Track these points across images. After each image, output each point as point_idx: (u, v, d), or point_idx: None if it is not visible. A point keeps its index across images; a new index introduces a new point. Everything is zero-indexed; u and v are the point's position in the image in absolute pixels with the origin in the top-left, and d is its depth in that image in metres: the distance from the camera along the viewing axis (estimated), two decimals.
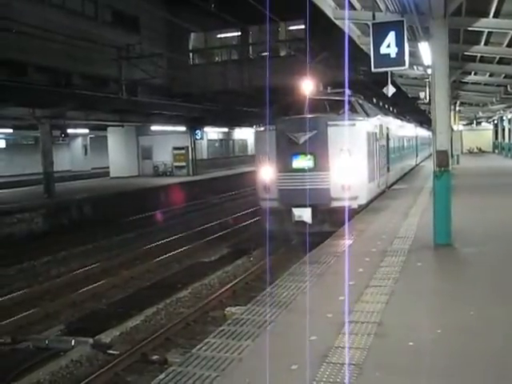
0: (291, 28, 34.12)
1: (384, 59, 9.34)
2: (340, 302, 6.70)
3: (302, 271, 8.29)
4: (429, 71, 15.29)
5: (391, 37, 9.20)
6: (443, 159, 9.50)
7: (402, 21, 9.38)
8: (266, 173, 14.69)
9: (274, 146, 14.49)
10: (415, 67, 18.57)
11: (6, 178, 38.51)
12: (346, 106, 14.42)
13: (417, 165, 33.26)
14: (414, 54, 14.35)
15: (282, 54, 34.63)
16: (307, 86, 15.41)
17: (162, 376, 4.85)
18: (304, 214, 14.01)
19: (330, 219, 13.77)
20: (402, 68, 10.00)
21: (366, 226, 11.90)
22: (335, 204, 13.96)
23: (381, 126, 17.71)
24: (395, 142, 22.32)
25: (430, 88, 16.99)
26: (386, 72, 16.16)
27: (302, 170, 14.18)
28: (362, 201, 14.54)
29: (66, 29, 23.52)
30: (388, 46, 9.22)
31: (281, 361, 5.04)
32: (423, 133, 40.13)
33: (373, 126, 16.07)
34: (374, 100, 22.25)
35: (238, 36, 35.48)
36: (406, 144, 27.40)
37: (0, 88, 19.26)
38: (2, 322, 10.19)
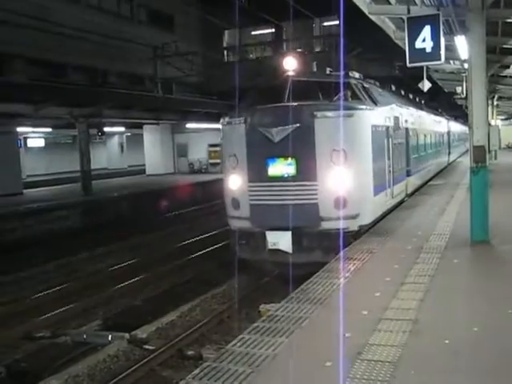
0: (325, 24, 33.96)
1: (419, 54, 9.25)
2: (375, 298, 6.67)
3: (336, 268, 8.26)
4: (465, 65, 15.03)
5: (426, 31, 9.10)
6: (480, 155, 9.35)
7: (438, 14, 9.26)
8: (234, 183, 11.29)
9: (244, 145, 11.06)
10: (451, 61, 18.26)
11: (45, 176, 39.28)
12: (342, 90, 10.87)
13: (449, 164, 30.55)
14: (450, 48, 14.11)
15: (317, 49, 34.48)
16: (290, 63, 11.80)
17: (196, 371, 4.89)
18: (281, 241, 10.60)
19: (321, 246, 10.50)
20: (438, 62, 9.88)
21: (401, 223, 11.77)
22: (326, 226, 10.56)
23: (396, 118, 14.04)
24: (419, 138, 18.39)
25: (466, 82, 16.70)
26: (422, 67, 15.93)
27: (281, 179, 10.73)
28: (365, 220, 10.95)
29: (103, 29, 23.89)
30: (423, 40, 9.12)
31: (315, 357, 5.03)
32: (457, 127, 38.10)
33: (382, 117, 12.40)
34: (394, 88, 18.50)
35: (271, 33, 35.46)
36: (434, 141, 23.32)
37: (40, 88, 19.70)
38: (42, 316, 10.44)
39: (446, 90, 29.50)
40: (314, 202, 10.57)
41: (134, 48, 25.37)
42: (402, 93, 20.17)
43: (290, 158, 10.61)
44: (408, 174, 15.73)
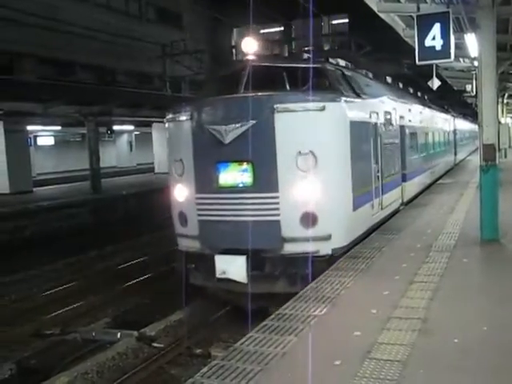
0: (334, 22, 33.91)
1: (429, 52, 9.20)
2: (384, 297, 6.65)
3: (345, 266, 8.24)
4: (475, 63, 14.94)
5: (436, 29, 9.05)
6: (490, 153, 9.30)
7: (448, 12, 9.21)
8: (181, 193, 9.44)
9: (191, 148, 9.12)
10: (461, 59, 18.17)
11: (54, 174, 39.44)
12: (311, 76, 8.75)
13: (456, 164, 28.73)
14: (460, 46, 14.03)
15: (326, 48, 34.43)
16: (250, 45, 9.97)
17: (205, 369, 4.90)
18: (232, 268, 8.60)
19: (284, 274, 8.60)
20: (448, 60, 9.84)
21: (411, 221, 11.73)
22: (290, 249, 8.58)
23: (388, 113, 12.11)
24: (418, 137, 16.33)
25: (476, 80, 16.62)
26: (431, 65, 15.85)
27: (234, 190, 8.83)
28: (340, 241, 8.90)
29: (111, 27, 23.95)
30: (433, 38, 9.07)
31: (324, 356, 5.03)
32: (465, 125, 36.80)
33: (367, 111, 10.43)
34: (390, 81, 16.57)
35: (280, 31, 35.45)
36: (437, 140, 21.24)
37: (49, 87, 19.80)
38: (51, 313, 10.50)
39: (455, 88, 29.36)
40: (274, 219, 8.59)
41: (142, 46, 25.42)
42: (410, 90, 18.98)
43: (244, 163, 8.71)
44: (404, 178, 13.84)
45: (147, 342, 8.79)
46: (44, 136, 41.43)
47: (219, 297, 9.52)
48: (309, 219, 8.47)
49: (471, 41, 12.98)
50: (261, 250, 8.57)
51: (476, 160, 12.58)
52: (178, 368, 8.07)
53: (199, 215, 9.15)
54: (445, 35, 9.02)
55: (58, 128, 34.08)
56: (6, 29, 19.52)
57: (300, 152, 8.44)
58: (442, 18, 9.08)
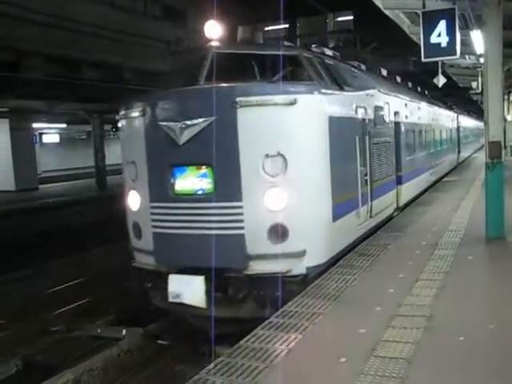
0: (339, 19, 33.82)
1: (434, 49, 9.16)
2: (389, 294, 6.65)
3: (350, 263, 8.23)
4: (481, 60, 14.89)
5: (442, 25, 9.01)
6: (496, 150, 9.27)
7: (454, 8, 9.17)
8: (134, 201, 8.24)
9: (144, 148, 7.91)
10: (467, 56, 18.11)
11: (59, 171, 39.55)
12: (282, 66, 7.80)
13: (459, 164, 27.81)
14: (466, 43, 13.98)
15: (331, 45, 34.35)
16: (213, 29, 8.42)
17: (210, 366, 4.90)
18: (188, 290, 7.39)
19: (251, 297, 7.37)
20: (453, 58, 9.78)
21: (416, 219, 11.71)
22: (256, 267, 7.35)
23: (379, 108, 10.97)
24: (416, 135, 15.28)
25: (482, 77, 16.56)
26: (437, 62, 15.80)
27: (192, 198, 7.66)
28: (317, 259, 7.66)
29: (117, 25, 23.98)
30: (439, 35, 9.04)
31: (329, 353, 5.03)
32: (469, 122, 36.01)
33: (352, 106, 9.15)
34: (385, 73, 15.10)
35: (285, 28, 35.40)
36: (438, 138, 20.19)
37: (56, 85, 19.83)
38: (57, 310, 10.55)
39: (460, 85, 29.26)
40: (238, 233, 7.35)
41: (148, 44, 25.42)
42: (398, 80, 16.88)
43: (203, 167, 7.56)
44: (399, 181, 12.72)
45: (152, 339, 8.82)
46: (49, 134, 41.54)
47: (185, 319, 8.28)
48: (278, 233, 7.26)
49: (477, 38, 12.94)
50: (223, 269, 7.25)
51: (481, 157, 12.52)
52: (183, 365, 8.08)
53: (154, 227, 7.90)
54: (450, 32, 8.99)
55: (64, 126, 34.16)
56: (13, 27, 19.58)
57: (267, 154, 7.24)
58: (448, 15, 9.05)
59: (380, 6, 12.51)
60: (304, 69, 8.27)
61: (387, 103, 11.72)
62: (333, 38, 34.08)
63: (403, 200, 13.13)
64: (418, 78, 23.24)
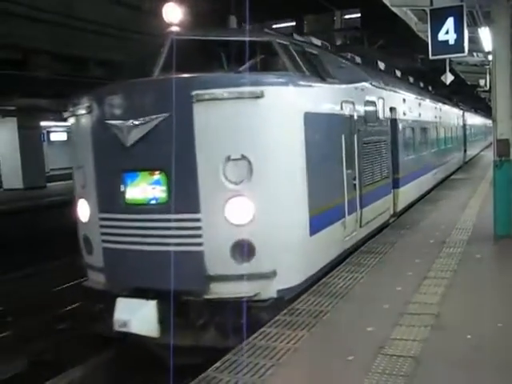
0: (347, 17, 33.76)
1: (442, 46, 9.13)
2: (397, 292, 6.63)
3: (358, 261, 8.22)
4: (489, 57, 14.82)
5: (450, 23, 8.97)
6: (504, 148, 9.24)
7: (462, 5, 9.12)
8: (84, 211, 7.24)
9: (90, 150, 6.93)
10: (475, 54, 18.03)
11: (67, 169, 39.62)
12: (246, 52, 6.62)
13: (466, 162, 26.99)
14: (474, 40, 13.92)
15: (338, 43, 34.30)
16: (173, 13, 7.70)
17: (217, 364, 4.90)
18: (137, 317, 6.28)
19: (212, 324, 6.29)
20: (461, 55, 9.75)
21: (424, 216, 11.68)
22: (218, 290, 6.31)
23: (371, 103, 10.00)
24: (416, 133, 14.31)
25: (490, 75, 16.48)
26: (444, 59, 15.73)
27: (144, 209, 6.61)
28: (290, 280, 6.60)
29: (123, 22, 24.04)
30: (446, 32, 9.00)
31: (336, 351, 5.03)
32: (476, 120, 35.38)
33: (335, 100, 8.05)
34: (383, 67, 13.98)
35: (292, 26, 35.37)
36: (442, 136, 19.12)
37: (63, 83, 19.90)
38: (63, 309, 10.58)
39: (468, 83, 29.16)
40: (196, 250, 6.30)
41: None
42: (398, 74, 15.85)
43: (156, 173, 6.49)
44: (396, 184, 11.68)
45: None
46: (57, 132, 41.65)
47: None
48: (243, 250, 6.20)
49: (485, 35, 12.88)
50: (180, 292, 6.13)
51: (489, 155, 12.44)
52: None
53: (103, 241, 6.90)
54: (458, 29, 8.95)
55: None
56: (20, 25, 19.66)
57: (229, 157, 6.18)
58: (456, 12, 9.00)
59: (387, 3, 12.46)
60: (278, 57, 7.05)
61: (381, 98, 10.78)
62: (340, 35, 34.07)
63: (401, 205, 12.10)
64: (426, 76, 23.16)
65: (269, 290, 6.36)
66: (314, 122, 6.94)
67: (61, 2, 22.14)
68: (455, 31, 8.95)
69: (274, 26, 36.17)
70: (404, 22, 13.90)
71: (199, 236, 6.29)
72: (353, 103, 8.74)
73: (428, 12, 9.49)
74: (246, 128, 6.26)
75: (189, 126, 6.18)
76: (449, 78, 17.94)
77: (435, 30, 9.09)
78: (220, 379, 4.59)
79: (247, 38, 6.76)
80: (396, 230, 10.42)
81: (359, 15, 30.80)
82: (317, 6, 19.68)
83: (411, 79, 17.98)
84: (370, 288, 6.92)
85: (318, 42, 9.40)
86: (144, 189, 6.59)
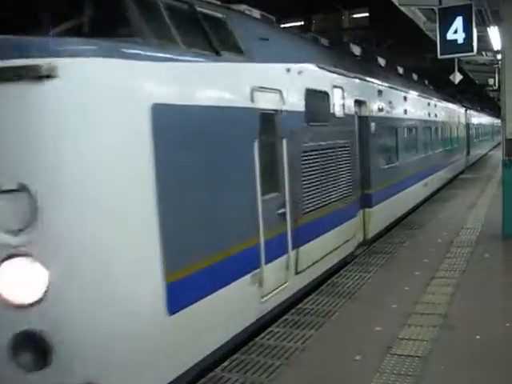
0: (355, 16, 33.69)
1: (451, 45, 9.09)
2: (405, 292, 6.63)
3: (366, 261, 8.22)
4: (498, 57, 14.76)
5: (458, 22, 8.94)
6: None
7: (471, 4, 9.08)
8: None
9: None
10: (483, 53, 17.96)
11: None
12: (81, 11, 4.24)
13: (468, 166, 24.62)
14: (483, 39, 13.84)
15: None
16: None
17: (226, 363, 4.91)
18: None
19: None
20: (470, 54, 9.71)
21: (433, 216, 11.66)
22: None
23: (317, 94, 7.37)
24: (400, 134, 11.87)
25: (499, 74, 16.39)
26: (453, 59, 15.65)
27: None
28: None
29: None
30: (455, 31, 8.96)
31: (345, 351, 5.03)
32: (483, 119, 34.18)
33: (230, 84, 5.36)
34: (358, 51, 11.45)
35: (300, 25, 35.35)
36: (439, 137, 17.03)
37: None
38: None
39: (477, 82, 29.03)
40: None
41: None
42: (400, 71, 14.29)
43: None
44: (368, 202, 9.37)
45: None
46: None
47: None
48: (30, 349, 3.68)
49: (494, 34, 12.82)
50: None
51: (497, 155, 12.38)
52: None
53: None
54: (467, 28, 8.91)
55: None
56: None
57: None
58: (465, 11, 8.96)
59: (396, 2, 12.43)
60: (124, 17, 4.31)
61: (339, 87, 8.18)
62: (348, 34, 34.00)
63: (375, 228, 9.75)
64: (434, 76, 23.08)
65: None
66: (176, 121, 4.43)
67: None
68: (464, 30, 8.91)
69: (282, 26, 36.22)
70: (412, 22, 13.86)
71: None
72: (279, 92, 6.22)
73: (436, 11, 9.45)
74: (23, 136, 3.64)
75: None
76: (457, 77, 17.88)
77: (444, 30, 9.05)
78: (228, 378, 4.60)
79: None
80: (404, 230, 10.39)
81: (367, 14, 30.69)
82: (325, 5, 19.58)
83: (401, 70, 15.24)
84: (378, 288, 6.92)
85: (257, 14, 7.10)
86: None
